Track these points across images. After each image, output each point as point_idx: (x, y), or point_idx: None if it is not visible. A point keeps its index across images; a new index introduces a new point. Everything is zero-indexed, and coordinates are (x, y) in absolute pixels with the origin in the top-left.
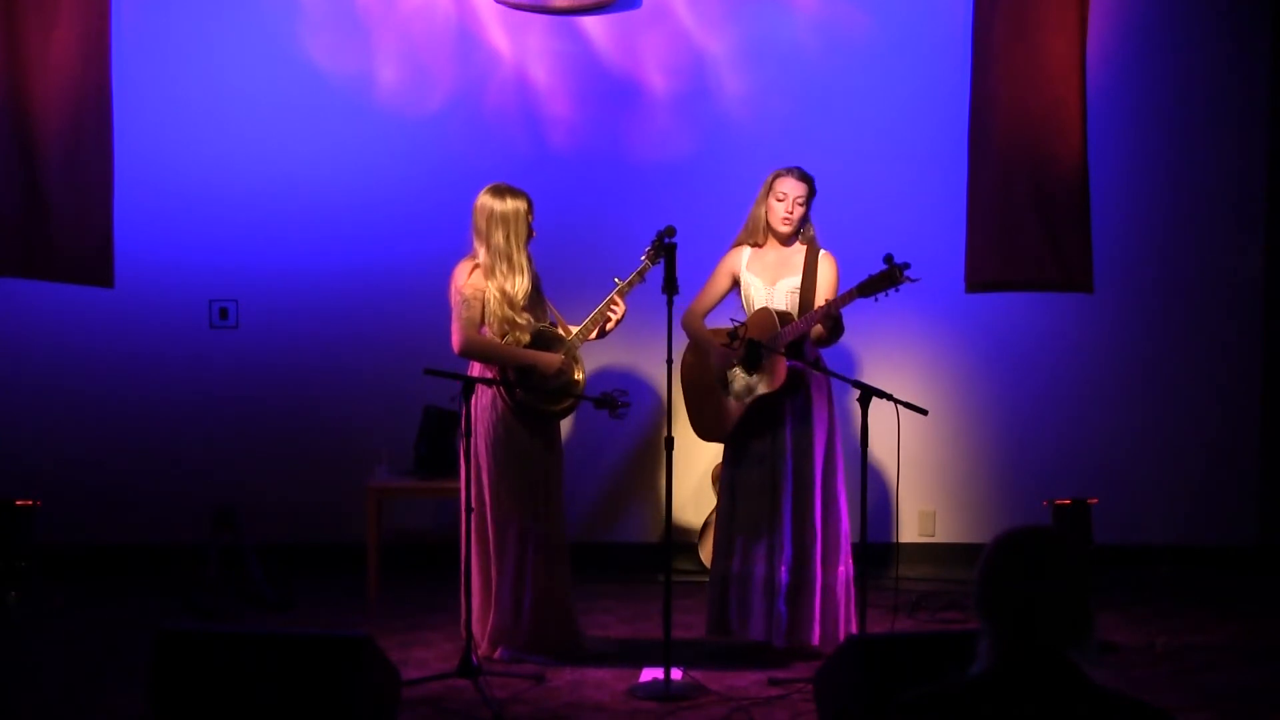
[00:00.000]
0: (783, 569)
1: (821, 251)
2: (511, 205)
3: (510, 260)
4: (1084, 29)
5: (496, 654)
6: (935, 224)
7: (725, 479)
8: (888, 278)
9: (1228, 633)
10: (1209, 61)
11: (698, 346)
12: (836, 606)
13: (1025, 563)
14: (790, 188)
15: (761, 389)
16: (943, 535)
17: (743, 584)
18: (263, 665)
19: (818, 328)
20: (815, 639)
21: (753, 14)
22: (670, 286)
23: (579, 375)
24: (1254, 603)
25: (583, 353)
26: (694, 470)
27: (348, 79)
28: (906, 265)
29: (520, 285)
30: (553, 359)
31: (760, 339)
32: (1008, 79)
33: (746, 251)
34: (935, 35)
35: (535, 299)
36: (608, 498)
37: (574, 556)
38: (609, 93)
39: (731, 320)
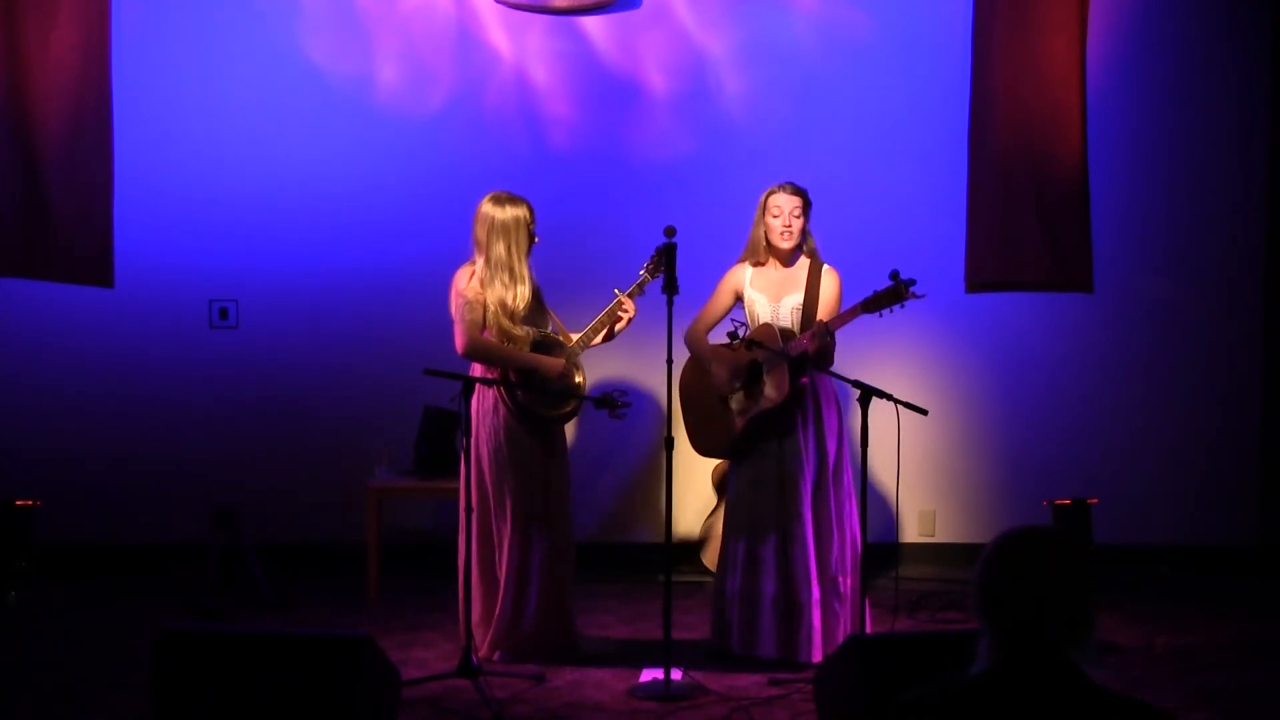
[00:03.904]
0: (776, 585)
1: (825, 267)
2: (511, 214)
3: (512, 271)
4: (1084, 29)
5: (496, 655)
6: (935, 224)
7: (733, 492)
8: (893, 294)
9: (1228, 633)
10: (1209, 62)
11: (699, 362)
12: (838, 619)
13: (1025, 563)
14: (783, 202)
15: (765, 403)
16: (943, 535)
17: (753, 602)
18: (263, 665)
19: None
20: (817, 656)
21: (753, 14)
22: (670, 287)
23: (579, 380)
24: (1254, 603)
25: (584, 356)
26: (695, 472)
27: (348, 79)
28: (912, 281)
29: (521, 295)
30: (555, 363)
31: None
32: (1008, 79)
33: (749, 269)
34: (935, 35)
35: (535, 308)
36: (608, 499)
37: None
38: (609, 93)
39: (732, 320)
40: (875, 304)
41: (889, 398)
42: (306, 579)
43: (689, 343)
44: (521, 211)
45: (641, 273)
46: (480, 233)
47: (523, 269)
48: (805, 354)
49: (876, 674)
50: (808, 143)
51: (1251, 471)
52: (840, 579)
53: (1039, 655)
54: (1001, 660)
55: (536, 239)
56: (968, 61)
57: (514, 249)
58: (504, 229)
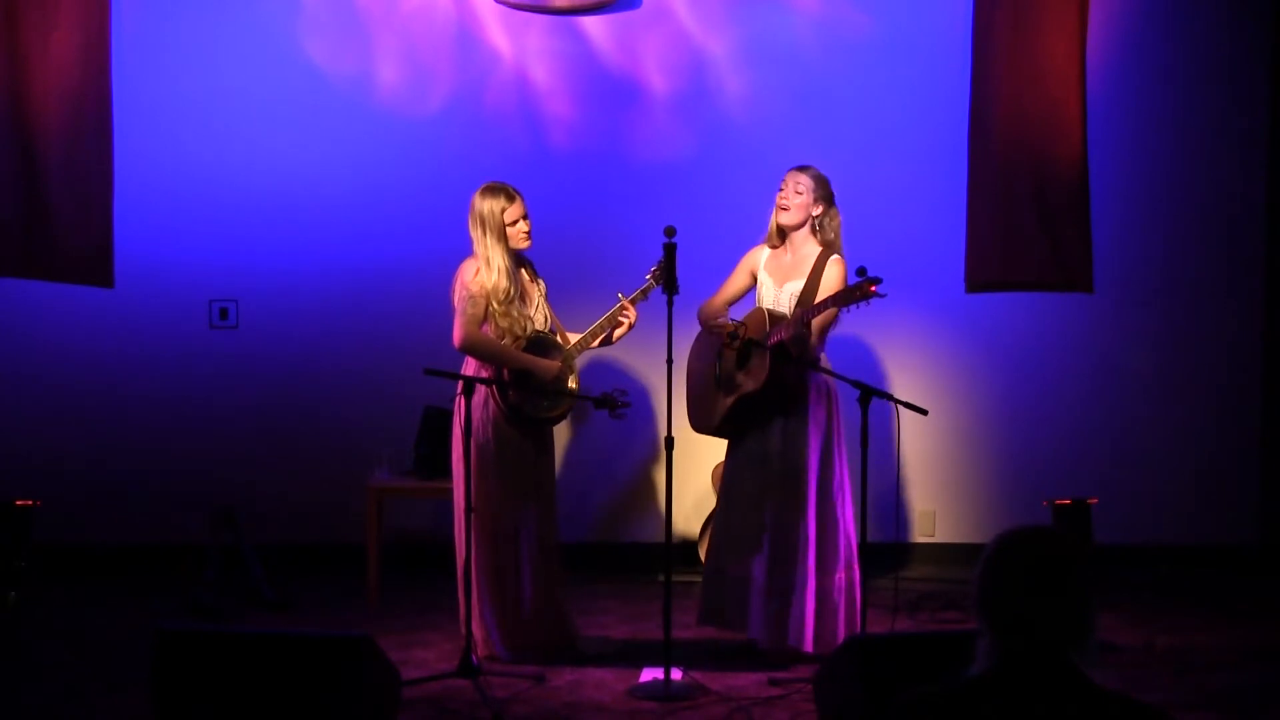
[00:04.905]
0: (763, 572)
1: (833, 256)
2: (487, 205)
3: (489, 263)
4: (1084, 29)
5: (497, 649)
6: (935, 224)
7: (724, 479)
8: (859, 290)
9: (1228, 633)
10: (1209, 61)
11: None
12: (834, 612)
13: (1025, 563)
14: (787, 179)
15: (744, 388)
16: (943, 535)
17: (739, 585)
18: (263, 665)
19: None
20: (809, 645)
21: (753, 14)
22: (670, 287)
23: (573, 384)
24: (1254, 603)
25: (584, 354)
26: (696, 472)
27: (348, 79)
28: (878, 280)
29: (499, 285)
30: (550, 365)
31: (756, 338)
32: (1008, 79)
33: (766, 251)
34: (935, 35)
35: (521, 302)
36: (608, 498)
37: (575, 557)
38: (609, 93)
39: (732, 320)
40: (843, 299)
41: (889, 398)
42: (306, 579)
43: (699, 316)
44: (496, 204)
45: (647, 278)
46: (468, 223)
47: (499, 259)
48: (781, 343)
49: (876, 674)
50: (808, 143)
51: (1251, 471)
52: (824, 575)
53: (1039, 655)
54: (1001, 660)
55: (527, 224)
56: (968, 62)
57: (488, 238)
58: (479, 220)
